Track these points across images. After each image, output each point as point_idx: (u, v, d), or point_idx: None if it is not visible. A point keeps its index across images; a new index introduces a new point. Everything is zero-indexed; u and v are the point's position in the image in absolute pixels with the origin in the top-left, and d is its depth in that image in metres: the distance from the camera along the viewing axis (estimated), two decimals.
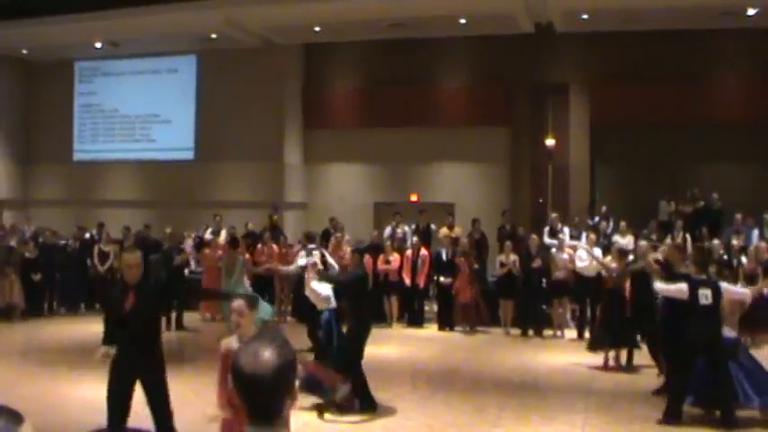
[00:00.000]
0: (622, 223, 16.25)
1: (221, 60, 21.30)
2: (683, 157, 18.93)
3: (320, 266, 10.57)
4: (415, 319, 15.76)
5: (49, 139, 23.32)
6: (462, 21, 18.19)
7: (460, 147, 20.31)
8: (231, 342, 5.30)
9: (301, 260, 12.14)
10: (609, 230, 16.77)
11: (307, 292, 9.86)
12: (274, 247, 16.46)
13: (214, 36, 20.09)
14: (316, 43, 21.07)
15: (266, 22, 19.07)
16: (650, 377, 10.55)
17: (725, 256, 14.40)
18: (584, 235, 15.75)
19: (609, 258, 12.86)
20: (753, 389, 8.27)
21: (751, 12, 16.53)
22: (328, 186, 21.77)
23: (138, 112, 22.59)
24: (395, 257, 15.68)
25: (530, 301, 14.78)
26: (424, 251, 15.90)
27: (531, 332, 14.63)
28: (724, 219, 16.80)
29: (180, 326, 14.90)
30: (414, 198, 20.71)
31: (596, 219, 17.43)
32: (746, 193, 17.87)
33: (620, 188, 20.19)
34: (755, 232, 15.71)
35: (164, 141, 22.26)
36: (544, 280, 14.83)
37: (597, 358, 11.70)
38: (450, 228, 17.13)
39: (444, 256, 15.62)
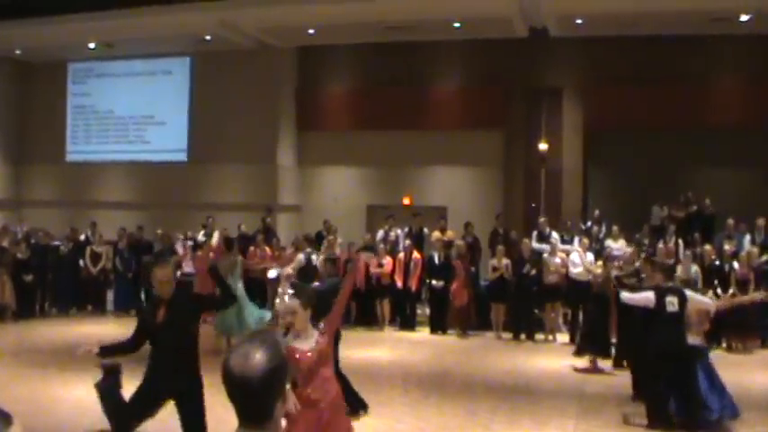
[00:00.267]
0: (615, 228, 16.27)
1: (216, 62, 21.29)
2: (677, 162, 18.96)
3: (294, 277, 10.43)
4: (408, 323, 15.76)
5: (43, 140, 23.26)
6: (457, 24, 18.21)
7: (454, 150, 20.33)
8: (288, 339, 5.34)
9: (272, 272, 12.06)
10: (601, 235, 16.79)
11: (277, 305, 9.75)
12: (267, 249, 16.45)
13: (208, 38, 20.07)
14: (310, 45, 21.07)
15: (261, 23, 19.07)
16: None
17: (717, 262, 14.45)
18: (576, 239, 15.78)
19: (599, 263, 12.94)
20: (715, 399, 8.36)
21: (744, 18, 16.59)
22: (322, 189, 21.77)
23: (132, 113, 22.56)
24: (387, 261, 15.70)
25: (522, 305, 14.80)
26: (416, 254, 15.93)
27: (523, 336, 14.65)
28: (717, 223, 16.86)
29: None
30: (407, 201, 20.72)
31: (589, 223, 17.46)
32: (739, 197, 17.90)
33: (613, 192, 20.21)
34: (747, 237, 15.75)
35: (157, 143, 22.23)
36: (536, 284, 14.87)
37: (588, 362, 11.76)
38: (443, 231, 17.15)
39: (437, 260, 15.65)
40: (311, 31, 19.25)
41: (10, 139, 23.25)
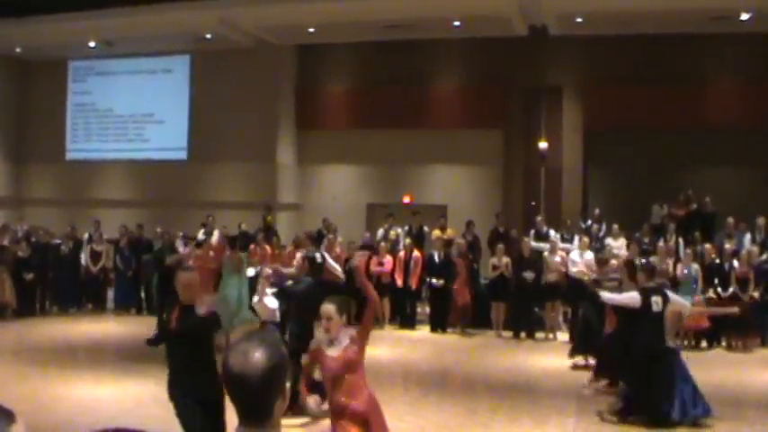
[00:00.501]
0: (615, 226, 16.28)
1: (215, 60, 21.27)
2: (677, 161, 18.95)
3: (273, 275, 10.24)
4: (408, 321, 15.77)
5: (43, 138, 23.24)
6: (456, 23, 18.20)
7: (454, 148, 20.31)
8: (323, 341, 5.39)
9: (250, 270, 11.92)
10: (601, 234, 16.79)
11: (255, 303, 9.64)
12: (267, 248, 16.43)
13: (208, 36, 20.06)
14: (310, 44, 21.06)
15: (260, 22, 19.07)
16: None
17: (717, 261, 14.45)
18: (576, 238, 15.78)
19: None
20: (690, 400, 8.38)
21: (744, 16, 16.58)
22: (321, 187, 21.76)
23: (132, 111, 22.56)
24: (388, 259, 15.71)
25: (522, 303, 14.81)
26: (416, 253, 15.93)
27: (523, 334, 14.67)
28: (717, 222, 16.85)
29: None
30: (407, 200, 20.71)
31: (589, 222, 17.45)
32: (739, 196, 17.88)
33: (612, 191, 20.20)
34: (748, 236, 15.74)
35: (157, 141, 22.23)
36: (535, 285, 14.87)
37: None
38: (443, 230, 17.17)
39: (437, 258, 15.65)
40: (311, 30, 19.24)
41: (10, 137, 23.24)
